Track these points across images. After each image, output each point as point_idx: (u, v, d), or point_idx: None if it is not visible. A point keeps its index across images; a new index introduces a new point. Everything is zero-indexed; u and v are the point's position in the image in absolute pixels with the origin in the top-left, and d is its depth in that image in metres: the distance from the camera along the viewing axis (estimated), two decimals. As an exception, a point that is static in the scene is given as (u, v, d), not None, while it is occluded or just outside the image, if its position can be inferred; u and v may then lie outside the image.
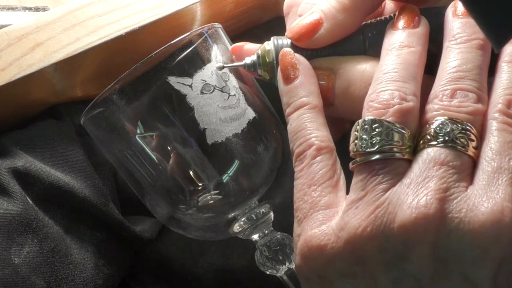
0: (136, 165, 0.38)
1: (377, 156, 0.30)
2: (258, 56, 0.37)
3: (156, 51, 0.36)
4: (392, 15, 0.36)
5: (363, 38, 0.36)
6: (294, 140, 0.34)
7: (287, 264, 0.39)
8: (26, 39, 0.42)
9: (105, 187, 0.44)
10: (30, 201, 0.40)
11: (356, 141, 0.31)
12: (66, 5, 0.44)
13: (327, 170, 0.33)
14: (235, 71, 0.39)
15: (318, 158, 0.33)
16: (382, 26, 0.36)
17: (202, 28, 0.38)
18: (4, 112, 0.43)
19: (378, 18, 0.37)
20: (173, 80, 0.36)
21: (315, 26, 0.36)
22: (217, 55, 0.38)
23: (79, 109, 0.41)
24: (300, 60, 0.36)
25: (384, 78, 0.32)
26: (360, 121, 0.32)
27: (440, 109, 0.31)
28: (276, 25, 0.52)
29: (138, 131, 0.37)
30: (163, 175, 0.38)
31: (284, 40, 0.37)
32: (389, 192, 0.30)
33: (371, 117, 0.31)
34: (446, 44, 0.33)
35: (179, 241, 0.47)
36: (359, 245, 0.29)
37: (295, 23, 0.37)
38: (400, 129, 0.31)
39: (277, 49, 0.37)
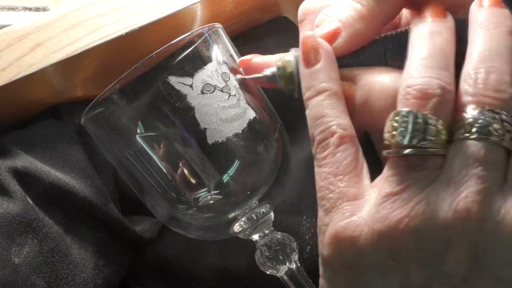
0: (136, 165, 0.38)
1: (415, 150, 0.30)
2: (278, 68, 0.36)
3: (157, 51, 0.36)
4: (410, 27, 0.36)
5: (384, 49, 0.36)
6: (315, 127, 0.33)
7: (287, 264, 0.39)
8: (26, 39, 0.42)
9: (105, 187, 0.44)
10: (30, 201, 0.40)
11: (394, 132, 0.30)
12: (66, 5, 0.44)
13: (351, 159, 0.32)
14: (234, 71, 0.39)
15: (341, 147, 0.32)
16: (403, 37, 0.35)
17: (203, 28, 0.38)
18: (4, 112, 0.43)
19: (399, 30, 0.36)
20: (173, 80, 0.36)
21: (333, 35, 0.35)
22: (217, 55, 0.38)
23: (79, 109, 0.41)
24: (323, 45, 0.35)
25: (421, 64, 0.31)
26: (399, 111, 0.30)
27: (475, 94, 0.30)
28: (276, 25, 0.53)
29: (138, 131, 0.37)
30: (163, 175, 0.38)
31: None
32: (428, 189, 0.29)
33: (411, 110, 0.30)
34: (474, 30, 0.32)
35: (179, 241, 0.47)
36: (396, 239, 0.29)
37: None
38: (439, 125, 0.30)
39: (298, 60, 0.36)
